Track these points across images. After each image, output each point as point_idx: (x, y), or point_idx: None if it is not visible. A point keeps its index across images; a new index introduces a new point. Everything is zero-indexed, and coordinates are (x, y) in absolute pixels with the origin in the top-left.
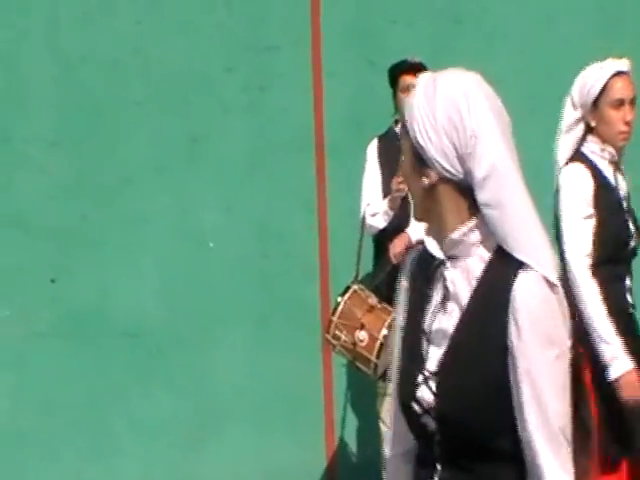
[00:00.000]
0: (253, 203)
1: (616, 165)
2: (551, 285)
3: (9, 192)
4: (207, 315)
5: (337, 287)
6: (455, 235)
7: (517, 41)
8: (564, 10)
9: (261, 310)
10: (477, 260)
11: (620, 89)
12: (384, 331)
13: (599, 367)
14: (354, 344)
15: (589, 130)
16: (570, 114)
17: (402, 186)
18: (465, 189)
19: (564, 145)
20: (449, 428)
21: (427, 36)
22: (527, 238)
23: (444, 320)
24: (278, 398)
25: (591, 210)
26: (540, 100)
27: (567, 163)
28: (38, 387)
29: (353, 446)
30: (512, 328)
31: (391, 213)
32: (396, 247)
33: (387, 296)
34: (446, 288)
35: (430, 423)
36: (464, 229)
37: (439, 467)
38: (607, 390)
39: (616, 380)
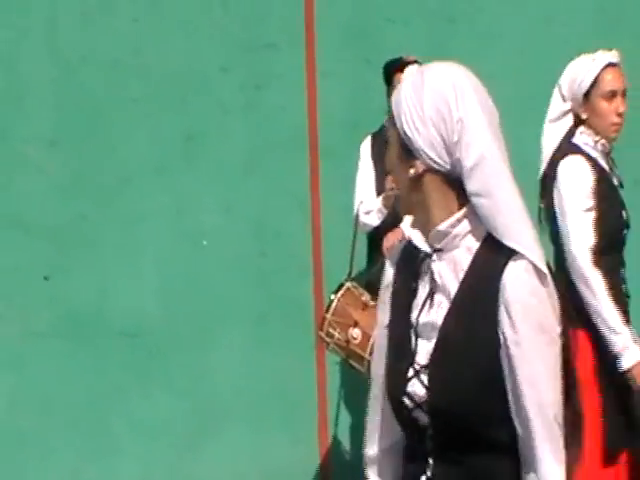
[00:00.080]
0: (249, 202)
1: (608, 156)
2: (540, 273)
3: (8, 192)
4: (205, 314)
5: (331, 285)
6: (442, 226)
7: (513, 41)
8: (560, 9)
9: (258, 309)
10: (464, 251)
11: (612, 81)
12: None
13: (607, 356)
14: (347, 342)
15: (579, 122)
16: (558, 105)
17: None
18: (452, 180)
19: (550, 135)
20: (442, 421)
21: (423, 35)
22: (516, 226)
23: (432, 313)
24: (273, 396)
25: (592, 202)
26: (536, 100)
27: (564, 156)
28: (36, 387)
29: (346, 444)
30: (503, 317)
31: (385, 211)
32: (389, 241)
33: None
34: (434, 281)
35: (422, 417)
36: (451, 220)
37: (431, 461)
38: (614, 379)
39: (628, 370)
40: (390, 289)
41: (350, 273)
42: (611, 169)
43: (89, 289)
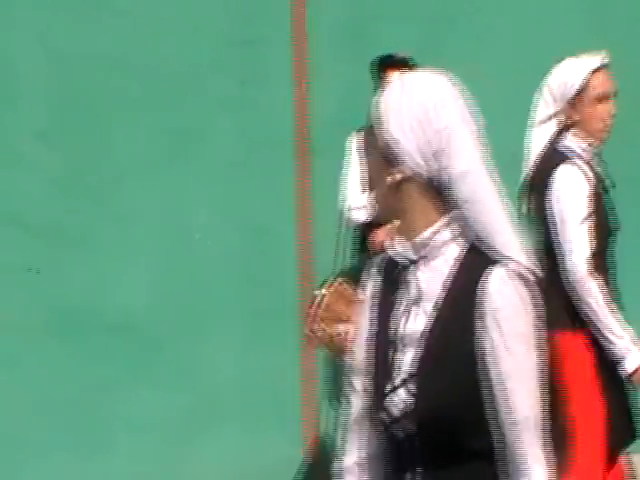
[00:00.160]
0: (239, 199)
1: (598, 158)
2: (523, 279)
3: (1, 189)
4: (195, 311)
5: (319, 283)
6: (423, 236)
7: (507, 40)
8: (556, 10)
9: (247, 306)
10: (447, 260)
11: (603, 83)
12: None
13: (606, 357)
14: (333, 337)
15: (568, 125)
16: (543, 109)
17: None
18: (432, 189)
19: (537, 139)
20: (427, 431)
21: (415, 33)
22: (504, 233)
23: (414, 323)
24: (260, 395)
25: (588, 211)
26: (530, 99)
27: (557, 164)
28: (27, 382)
29: (332, 443)
30: (484, 325)
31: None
32: (379, 236)
33: None
34: (415, 291)
35: (406, 428)
36: (432, 229)
37: (419, 470)
38: (614, 379)
39: (632, 374)
40: (369, 301)
41: (337, 269)
42: (602, 172)
43: (81, 285)
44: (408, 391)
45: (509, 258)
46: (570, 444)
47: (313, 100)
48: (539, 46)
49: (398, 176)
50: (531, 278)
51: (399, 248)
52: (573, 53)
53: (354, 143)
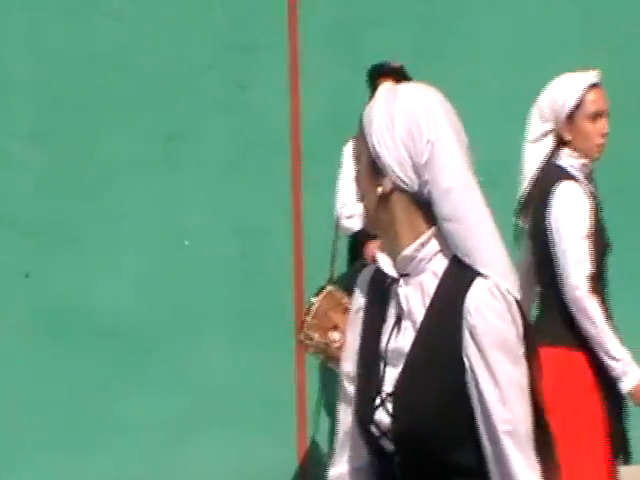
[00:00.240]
0: (231, 202)
1: (590, 176)
2: (504, 294)
3: None
4: (186, 314)
5: (312, 287)
6: (407, 251)
7: (497, 45)
8: (547, 14)
9: (238, 309)
10: (431, 275)
11: (596, 102)
12: None
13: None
14: (327, 344)
15: (561, 143)
16: (538, 126)
17: None
18: (420, 202)
19: (531, 156)
20: (407, 448)
21: (406, 39)
22: (489, 252)
23: (399, 339)
24: (253, 397)
25: (589, 229)
26: (521, 104)
27: (556, 181)
28: (16, 384)
29: (325, 445)
30: (467, 340)
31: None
32: (372, 248)
33: None
34: (402, 306)
35: (388, 445)
36: (416, 244)
37: None
38: (613, 389)
39: (630, 393)
40: (360, 314)
41: (331, 277)
42: (595, 190)
43: (70, 286)
44: (386, 411)
45: (495, 276)
46: (555, 455)
47: (306, 104)
48: (536, 50)
49: (388, 187)
50: (517, 295)
51: (383, 265)
52: (571, 57)
53: (349, 149)
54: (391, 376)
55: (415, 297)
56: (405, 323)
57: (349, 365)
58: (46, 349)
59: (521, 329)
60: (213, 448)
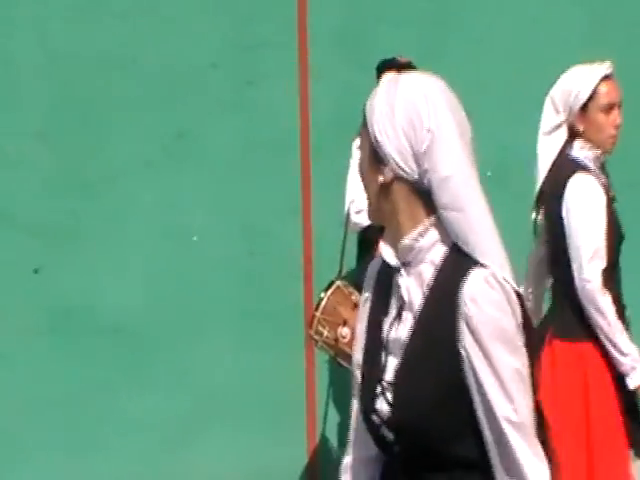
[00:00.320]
0: (240, 201)
1: (603, 168)
2: (502, 283)
3: None
4: (193, 312)
5: (321, 284)
6: (407, 240)
7: (504, 44)
8: (552, 13)
9: (247, 307)
10: (429, 265)
11: (609, 93)
12: None
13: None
14: (336, 340)
15: (574, 134)
16: (551, 118)
17: None
18: (420, 191)
19: (546, 148)
20: (406, 438)
21: (414, 37)
22: (486, 240)
23: (400, 329)
24: (262, 395)
25: (605, 221)
26: (527, 102)
27: (571, 174)
28: (21, 382)
29: (335, 443)
30: (464, 331)
31: None
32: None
33: None
34: (403, 296)
35: (388, 434)
36: (414, 234)
37: (401, 477)
38: (623, 385)
39: (636, 389)
40: (367, 304)
41: (340, 272)
42: (606, 181)
43: (76, 285)
44: (386, 400)
45: (494, 262)
46: (553, 450)
47: (314, 102)
48: (540, 49)
49: (389, 176)
50: (512, 282)
51: (385, 255)
52: (574, 56)
53: (358, 146)
54: (392, 365)
55: (415, 287)
56: (405, 313)
57: (359, 355)
58: (50, 348)
59: (520, 320)
60: (222, 448)
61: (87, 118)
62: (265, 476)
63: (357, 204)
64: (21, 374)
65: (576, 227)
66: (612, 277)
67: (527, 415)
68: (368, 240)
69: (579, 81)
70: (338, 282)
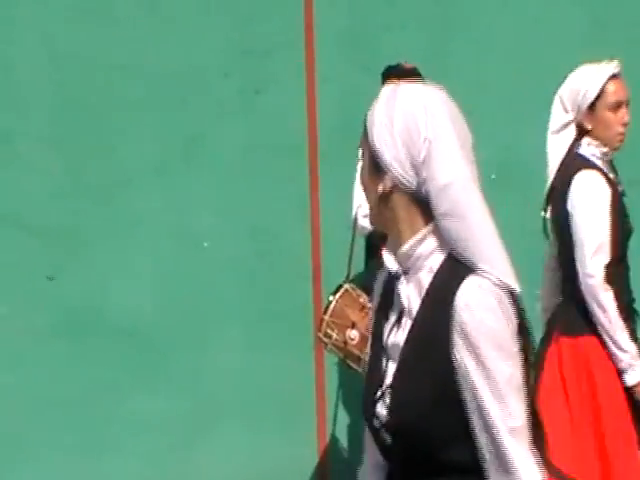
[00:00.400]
0: (249, 204)
1: (611, 164)
2: (496, 290)
3: (7, 191)
4: (203, 314)
5: (329, 287)
6: (405, 247)
7: (508, 47)
8: (555, 15)
9: (256, 309)
10: (427, 272)
11: (617, 92)
12: None
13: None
14: (345, 342)
15: (583, 132)
16: (560, 116)
17: None
18: (419, 200)
19: (555, 147)
20: (403, 441)
21: (419, 41)
22: (487, 247)
23: (399, 335)
24: (272, 396)
25: (609, 217)
26: (531, 104)
27: (577, 170)
28: (34, 385)
29: (345, 443)
30: (458, 337)
31: None
32: None
33: None
34: (402, 302)
35: (387, 438)
36: (413, 241)
37: None
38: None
39: (633, 386)
40: (374, 310)
41: (348, 275)
42: (614, 177)
43: (89, 288)
44: (384, 404)
45: (495, 270)
46: (547, 454)
47: (322, 107)
48: (541, 50)
49: (388, 185)
50: (508, 289)
51: (387, 262)
52: (576, 57)
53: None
54: (391, 371)
55: (414, 294)
56: (405, 319)
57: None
58: (61, 350)
59: (515, 325)
60: (232, 448)
61: (98, 123)
62: (275, 476)
63: (364, 208)
64: (33, 375)
65: (580, 223)
66: (618, 272)
67: (521, 420)
68: (375, 244)
69: (587, 80)
70: (346, 285)
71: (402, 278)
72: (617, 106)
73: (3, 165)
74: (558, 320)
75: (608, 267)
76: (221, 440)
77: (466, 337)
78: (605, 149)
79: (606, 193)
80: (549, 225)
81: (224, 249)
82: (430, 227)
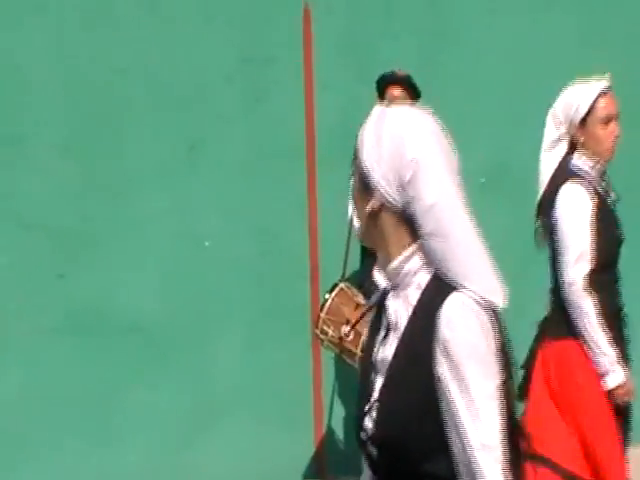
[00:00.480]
0: (250, 206)
1: (603, 176)
2: (478, 309)
3: (18, 194)
4: (205, 313)
5: (327, 286)
6: (394, 264)
7: (501, 55)
8: (549, 22)
9: (256, 308)
10: (415, 288)
11: (607, 107)
12: None
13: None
14: (341, 339)
15: (575, 146)
16: (552, 132)
17: None
18: (406, 219)
19: (547, 162)
20: (388, 454)
21: (414, 50)
22: (472, 267)
23: (386, 350)
24: (271, 392)
25: (590, 228)
26: (525, 112)
27: (564, 181)
28: (43, 382)
29: (340, 435)
30: (439, 354)
31: None
32: None
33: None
34: (390, 318)
35: (373, 450)
36: (401, 258)
37: None
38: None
39: (612, 390)
40: (370, 324)
41: (344, 274)
42: (607, 188)
43: (96, 288)
44: (371, 417)
45: (479, 289)
46: (523, 474)
47: (320, 113)
48: (535, 60)
49: (376, 204)
50: (491, 307)
51: (376, 278)
52: (571, 63)
53: None
54: (379, 384)
55: (402, 309)
56: (392, 334)
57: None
58: (68, 347)
59: (496, 343)
60: (232, 444)
61: (107, 128)
62: (274, 470)
63: None
64: (41, 373)
65: (563, 232)
66: (604, 279)
67: (496, 438)
68: None
69: (578, 96)
70: (341, 284)
71: (390, 294)
72: (607, 120)
73: (14, 167)
74: (547, 324)
75: (591, 275)
76: (221, 435)
77: (447, 353)
78: (595, 161)
79: (588, 205)
80: (541, 233)
81: (225, 249)
82: (417, 245)
